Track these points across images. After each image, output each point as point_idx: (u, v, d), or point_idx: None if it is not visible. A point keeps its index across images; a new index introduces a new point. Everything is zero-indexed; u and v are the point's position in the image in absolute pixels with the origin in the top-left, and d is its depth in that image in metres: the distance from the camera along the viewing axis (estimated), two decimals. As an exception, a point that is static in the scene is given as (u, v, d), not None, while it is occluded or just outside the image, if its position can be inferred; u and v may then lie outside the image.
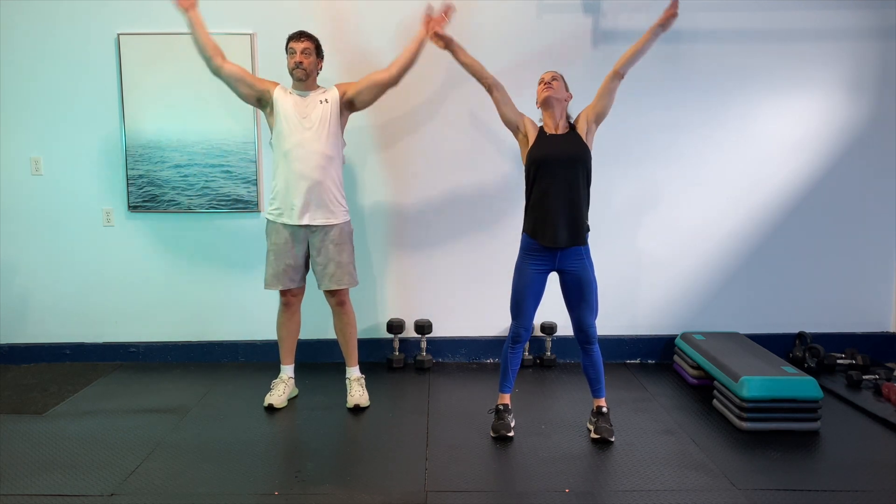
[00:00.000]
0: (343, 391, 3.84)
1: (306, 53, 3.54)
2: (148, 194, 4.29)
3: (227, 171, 4.27)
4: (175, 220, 4.34)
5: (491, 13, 4.20)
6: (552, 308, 4.11)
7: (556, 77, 3.27)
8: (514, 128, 3.37)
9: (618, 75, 3.28)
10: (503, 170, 4.33)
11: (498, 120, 4.25)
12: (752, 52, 4.25)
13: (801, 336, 4.40)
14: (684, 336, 4.26)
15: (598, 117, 3.30)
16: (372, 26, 4.21)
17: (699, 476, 2.94)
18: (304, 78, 3.56)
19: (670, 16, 3.27)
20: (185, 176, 4.27)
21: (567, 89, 3.31)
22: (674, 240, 4.40)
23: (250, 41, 4.17)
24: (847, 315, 4.47)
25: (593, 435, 3.28)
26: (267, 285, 3.64)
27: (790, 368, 3.52)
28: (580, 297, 3.24)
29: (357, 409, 3.66)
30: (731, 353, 3.81)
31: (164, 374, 4.21)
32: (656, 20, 3.30)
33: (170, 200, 4.29)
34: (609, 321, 4.37)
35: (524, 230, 3.29)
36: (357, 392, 3.71)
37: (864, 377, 4.01)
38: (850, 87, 4.29)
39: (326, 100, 3.57)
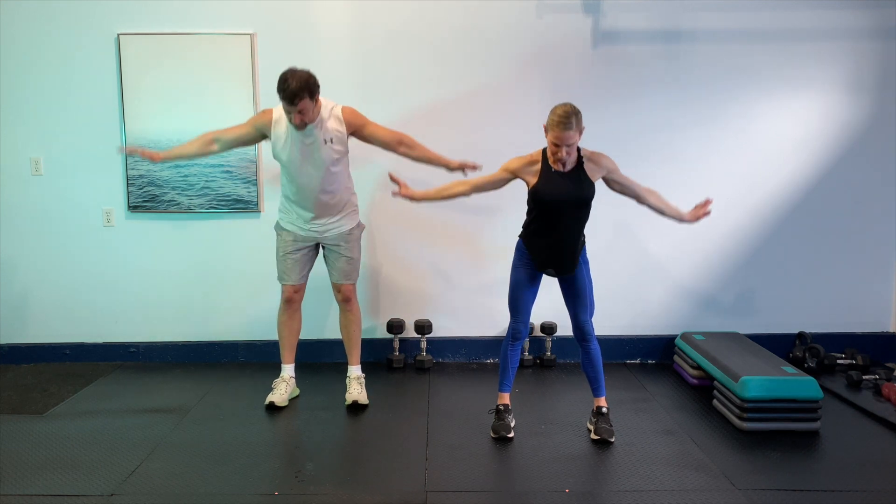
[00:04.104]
0: (343, 391, 3.83)
1: (304, 112, 3.29)
2: (148, 194, 4.29)
3: (227, 171, 4.27)
4: (175, 221, 4.34)
5: (491, 13, 4.20)
6: (552, 308, 4.11)
7: (574, 133, 2.99)
8: (512, 179, 3.28)
9: (640, 200, 3.26)
10: (503, 170, 4.32)
11: (497, 123, 4.27)
12: (752, 52, 4.25)
13: (801, 336, 4.40)
14: (684, 336, 4.26)
15: (605, 181, 3.23)
16: (372, 26, 4.21)
17: (699, 476, 2.94)
18: (305, 127, 3.41)
19: (700, 216, 3.28)
20: (185, 176, 4.27)
21: (580, 123, 3.02)
22: (674, 240, 4.39)
23: (250, 41, 4.17)
24: (847, 315, 4.47)
25: (593, 435, 3.28)
26: (279, 279, 3.72)
27: (790, 368, 3.52)
28: (575, 296, 3.29)
29: (356, 407, 3.66)
30: (731, 353, 3.81)
31: (164, 374, 4.21)
32: (688, 214, 3.29)
33: (170, 200, 4.29)
34: (609, 321, 4.37)
35: (521, 236, 3.33)
36: (356, 389, 3.71)
37: (864, 377, 4.01)
38: (850, 87, 4.29)
39: (332, 140, 3.42)
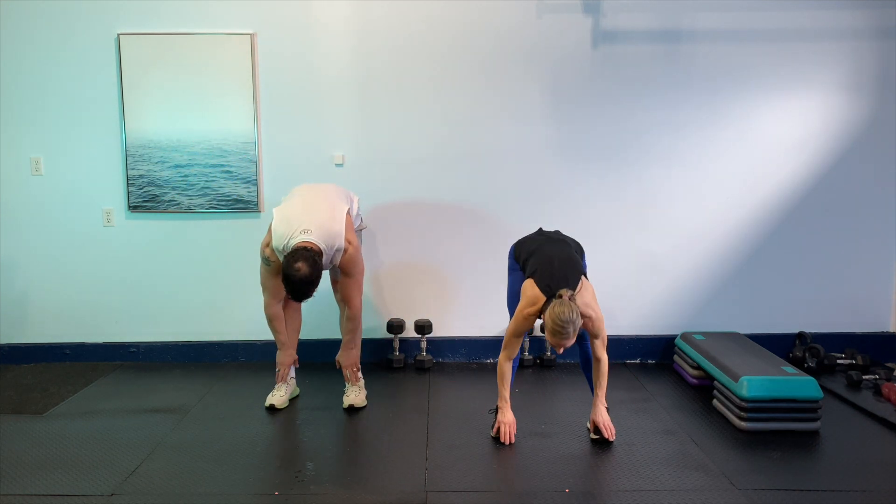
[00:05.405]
0: (343, 391, 3.83)
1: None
2: (148, 194, 4.29)
3: (228, 171, 4.27)
4: (175, 220, 4.34)
5: (491, 13, 4.20)
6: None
7: (571, 340, 2.93)
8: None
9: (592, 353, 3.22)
10: (504, 171, 4.32)
11: (497, 122, 4.27)
12: (752, 52, 4.25)
13: (801, 336, 4.40)
14: (684, 336, 4.26)
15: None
16: (372, 26, 4.21)
17: (699, 476, 2.94)
18: None
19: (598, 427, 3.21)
20: (186, 176, 4.27)
21: (578, 328, 2.93)
22: (674, 240, 4.39)
23: (250, 41, 4.17)
24: (847, 315, 4.47)
25: (593, 435, 3.28)
26: None
27: (790, 368, 3.52)
28: None
29: (352, 410, 3.65)
30: (731, 353, 3.81)
31: (164, 374, 4.21)
32: (594, 412, 3.22)
33: (170, 200, 4.29)
34: (609, 321, 4.35)
35: (514, 246, 3.38)
36: (353, 392, 3.70)
37: (864, 377, 4.01)
38: (850, 87, 4.29)
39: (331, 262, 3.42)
